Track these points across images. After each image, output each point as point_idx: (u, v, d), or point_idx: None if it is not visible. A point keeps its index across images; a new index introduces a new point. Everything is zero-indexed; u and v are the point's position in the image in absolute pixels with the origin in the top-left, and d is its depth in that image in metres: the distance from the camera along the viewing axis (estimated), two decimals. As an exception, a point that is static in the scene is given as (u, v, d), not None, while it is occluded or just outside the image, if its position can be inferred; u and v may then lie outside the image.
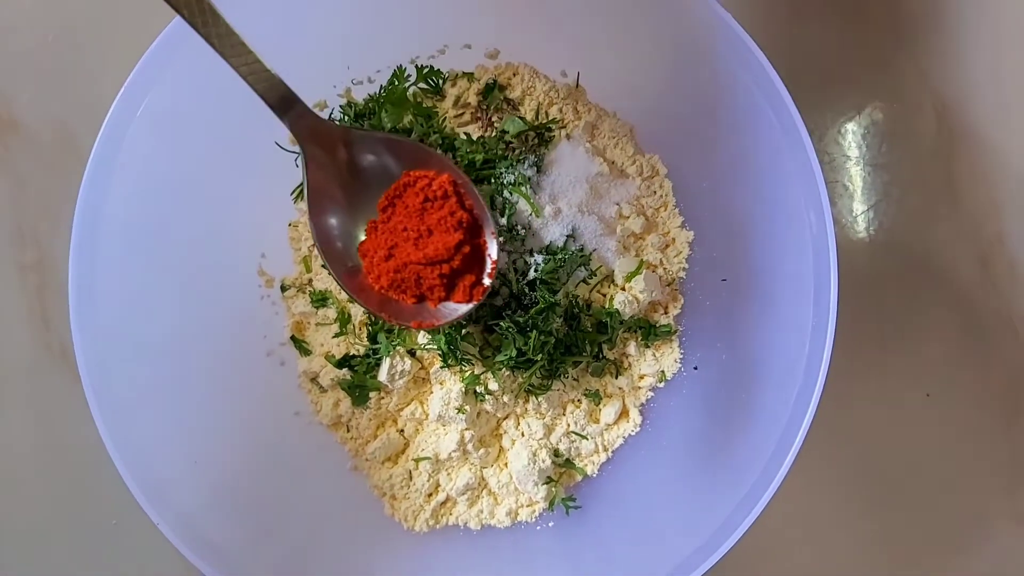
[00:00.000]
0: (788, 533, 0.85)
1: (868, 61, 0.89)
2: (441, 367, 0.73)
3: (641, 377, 0.76)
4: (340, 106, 0.76)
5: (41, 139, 0.90)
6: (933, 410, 0.86)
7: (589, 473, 0.76)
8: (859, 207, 0.88)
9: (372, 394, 0.74)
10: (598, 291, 0.75)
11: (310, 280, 0.79)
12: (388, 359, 0.72)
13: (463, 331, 0.71)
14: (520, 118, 0.77)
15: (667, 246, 0.77)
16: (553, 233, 0.72)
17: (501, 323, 0.70)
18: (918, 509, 0.87)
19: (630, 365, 0.76)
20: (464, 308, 0.65)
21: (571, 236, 0.73)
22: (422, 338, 0.72)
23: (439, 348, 0.70)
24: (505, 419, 0.76)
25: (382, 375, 0.73)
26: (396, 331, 0.73)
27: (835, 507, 0.86)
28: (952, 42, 0.88)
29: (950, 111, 0.89)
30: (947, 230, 0.88)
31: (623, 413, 0.76)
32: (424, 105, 0.77)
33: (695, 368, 0.75)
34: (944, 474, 0.87)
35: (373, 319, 0.75)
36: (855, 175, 0.88)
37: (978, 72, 0.87)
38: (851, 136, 0.89)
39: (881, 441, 0.87)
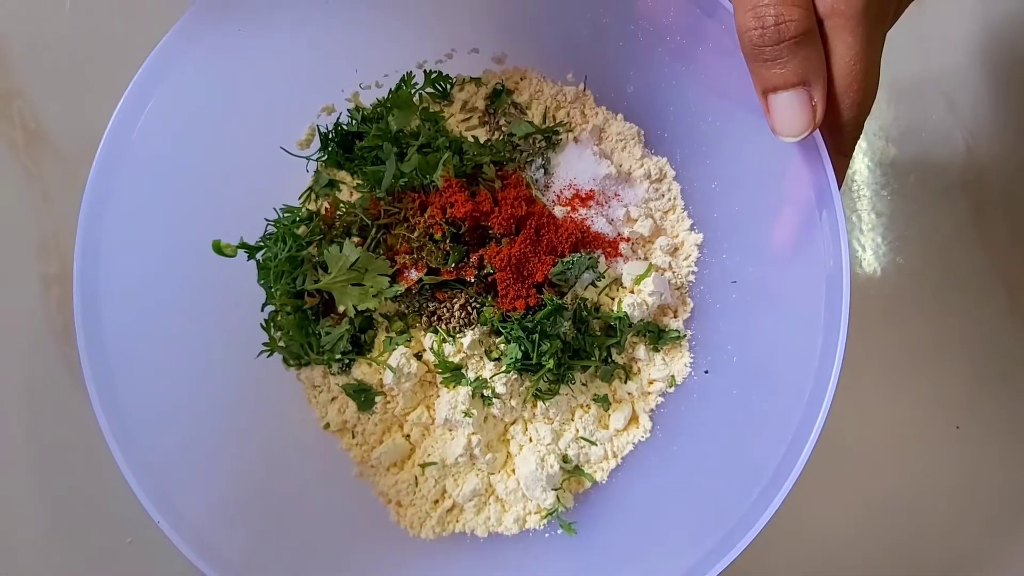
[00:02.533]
0: (795, 546, 0.83)
1: (896, 87, 0.88)
2: (447, 370, 0.72)
3: (651, 382, 0.75)
4: (348, 110, 0.77)
5: (69, 153, 0.91)
6: (960, 440, 0.85)
7: (598, 480, 0.74)
8: (886, 236, 0.87)
9: (378, 399, 0.74)
10: (606, 295, 0.74)
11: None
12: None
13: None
14: (528, 122, 0.77)
15: (676, 249, 0.76)
16: (560, 235, 0.71)
17: (507, 325, 0.69)
18: (933, 537, 0.85)
19: (639, 370, 0.75)
20: None
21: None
22: (428, 341, 0.72)
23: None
24: (512, 424, 0.75)
25: (387, 378, 0.72)
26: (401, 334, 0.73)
27: (844, 524, 0.85)
28: (983, 74, 0.88)
29: (981, 142, 0.88)
30: (975, 261, 0.87)
31: (633, 419, 0.75)
32: (431, 110, 0.77)
33: (706, 372, 0.73)
34: (960, 505, 0.85)
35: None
36: (879, 203, 0.88)
37: (1009, 104, 0.87)
38: (876, 165, 0.89)
39: (897, 463, 0.86)
